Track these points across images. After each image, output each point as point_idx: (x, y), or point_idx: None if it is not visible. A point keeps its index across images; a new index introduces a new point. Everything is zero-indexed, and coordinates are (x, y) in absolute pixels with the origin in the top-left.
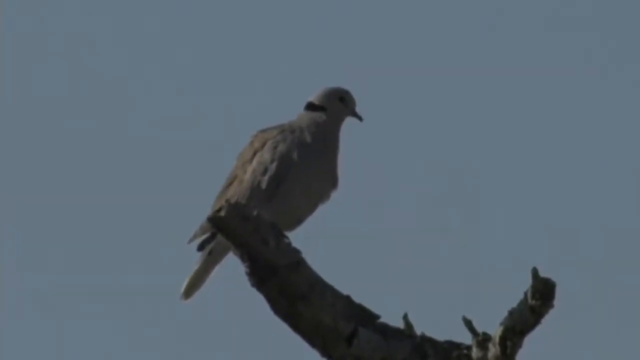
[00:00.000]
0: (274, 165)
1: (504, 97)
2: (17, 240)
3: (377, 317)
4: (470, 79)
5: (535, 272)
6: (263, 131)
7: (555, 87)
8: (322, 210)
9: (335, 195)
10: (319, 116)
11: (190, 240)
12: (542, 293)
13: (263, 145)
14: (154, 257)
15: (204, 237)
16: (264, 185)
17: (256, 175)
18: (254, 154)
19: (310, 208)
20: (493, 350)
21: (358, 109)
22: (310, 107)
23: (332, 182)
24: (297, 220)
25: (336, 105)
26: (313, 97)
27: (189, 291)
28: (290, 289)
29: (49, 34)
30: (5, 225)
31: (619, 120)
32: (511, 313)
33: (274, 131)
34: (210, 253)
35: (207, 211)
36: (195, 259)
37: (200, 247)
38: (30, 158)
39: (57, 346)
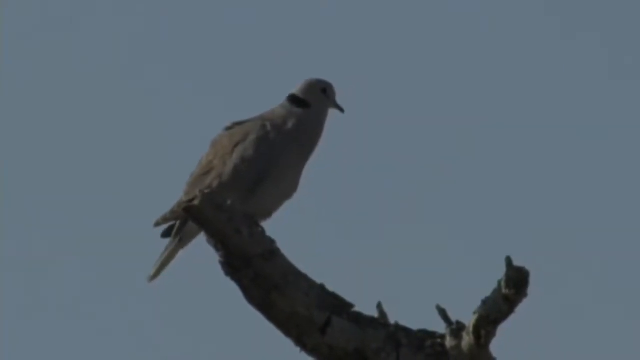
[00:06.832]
0: (258, 162)
1: (493, 92)
2: None
3: (351, 305)
4: (460, 74)
5: (509, 261)
6: (239, 123)
7: (540, 84)
8: (296, 198)
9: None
10: (302, 113)
11: (158, 224)
12: (516, 282)
13: (245, 138)
14: (120, 239)
15: (171, 223)
16: (246, 181)
17: (238, 171)
18: (235, 146)
19: (280, 204)
20: (467, 339)
21: (339, 102)
22: (293, 99)
23: (297, 183)
24: (267, 214)
25: (319, 98)
26: (295, 89)
27: (156, 274)
28: (264, 278)
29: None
30: None
31: (618, 117)
32: (485, 302)
33: (255, 125)
34: (180, 240)
35: (175, 194)
36: (162, 243)
37: (166, 234)
38: (11, 141)
39: (25, 330)
